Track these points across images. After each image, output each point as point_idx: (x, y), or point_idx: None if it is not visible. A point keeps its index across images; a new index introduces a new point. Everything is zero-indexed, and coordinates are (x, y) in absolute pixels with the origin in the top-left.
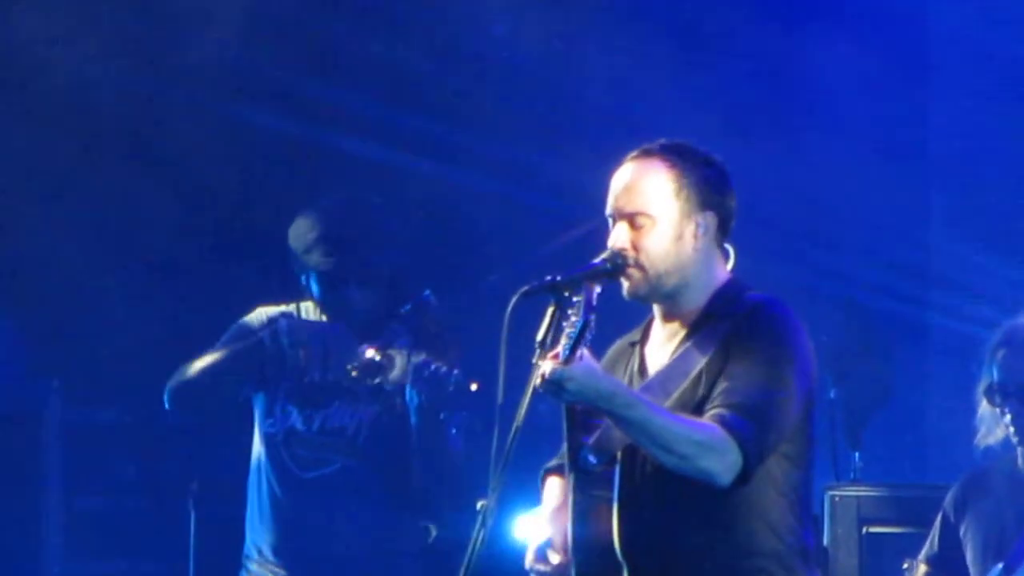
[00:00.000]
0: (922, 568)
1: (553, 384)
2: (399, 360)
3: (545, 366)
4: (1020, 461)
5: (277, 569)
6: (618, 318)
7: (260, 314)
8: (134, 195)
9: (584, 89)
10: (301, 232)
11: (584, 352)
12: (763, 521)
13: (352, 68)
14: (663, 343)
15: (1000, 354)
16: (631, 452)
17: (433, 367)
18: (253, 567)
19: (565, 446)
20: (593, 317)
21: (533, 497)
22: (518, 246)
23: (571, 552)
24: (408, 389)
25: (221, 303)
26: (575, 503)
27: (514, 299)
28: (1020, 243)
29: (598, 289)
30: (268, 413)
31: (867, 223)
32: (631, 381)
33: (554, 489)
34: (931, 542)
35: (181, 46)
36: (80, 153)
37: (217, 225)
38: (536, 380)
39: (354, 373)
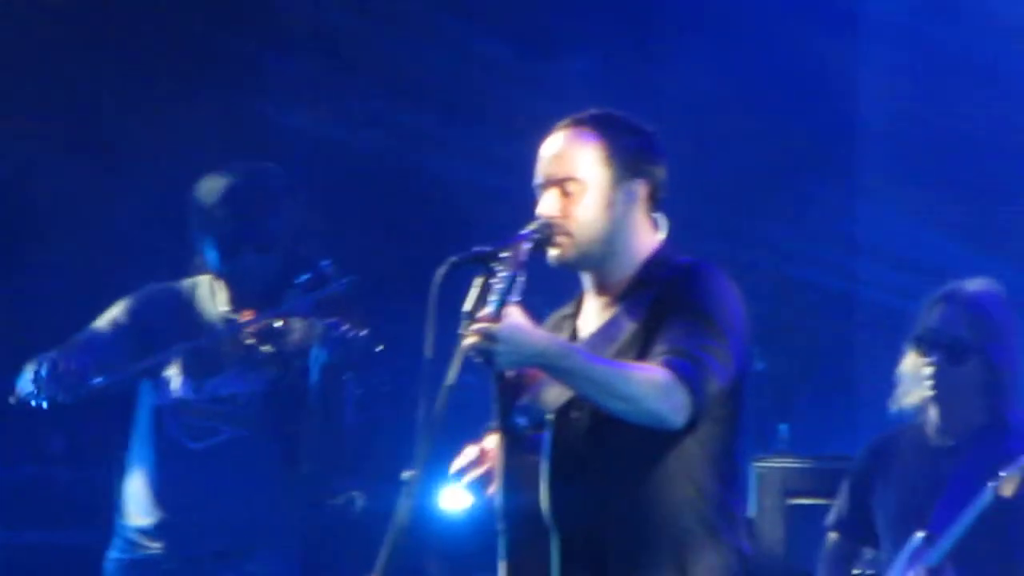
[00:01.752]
0: (832, 535)
1: (484, 345)
2: (299, 324)
3: (470, 334)
4: (931, 425)
5: (152, 542)
6: (551, 294)
7: (147, 292)
8: None
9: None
10: (201, 198)
11: (513, 310)
12: (692, 485)
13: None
14: (596, 313)
15: (939, 306)
16: (562, 415)
17: (342, 328)
18: (131, 536)
19: (496, 408)
20: (522, 274)
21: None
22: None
23: (500, 517)
24: (314, 350)
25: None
26: (504, 467)
27: (442, 269)
28: (947, 213)
29: (528, 246)
30: (156, 385)
31: (794, 195)
32: None
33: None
34: (839, 509)
35: None
36: None
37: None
38: (465, 346)
39: (250, 340)
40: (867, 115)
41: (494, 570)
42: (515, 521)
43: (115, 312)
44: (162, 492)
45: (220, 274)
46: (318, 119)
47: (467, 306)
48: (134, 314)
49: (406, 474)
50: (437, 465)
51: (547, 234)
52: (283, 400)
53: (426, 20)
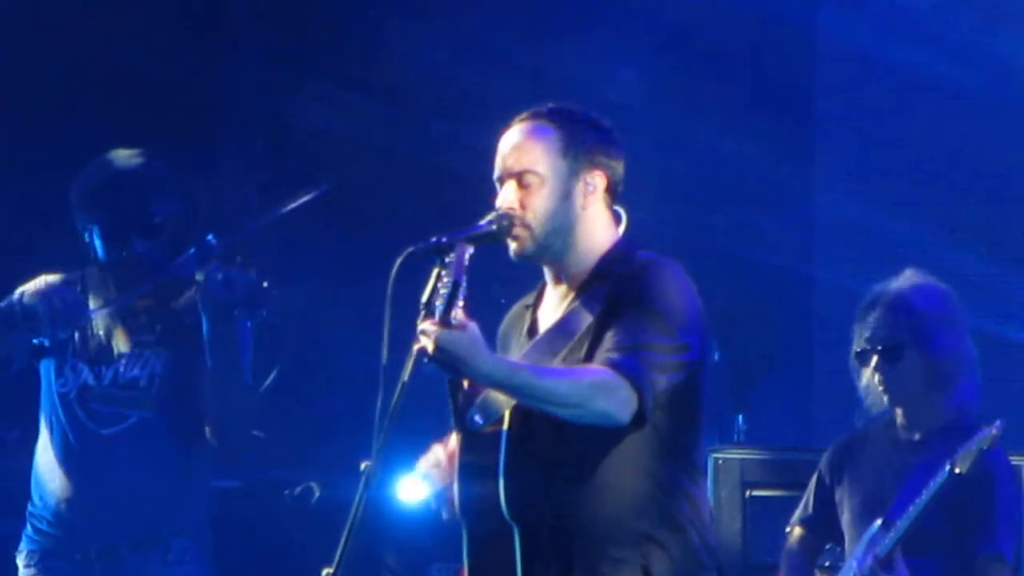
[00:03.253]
0: (797, 530)
1: (431, 356)
2: (185, 288)
3: (419, 332)
4: (898, 423)
5: (67, 532)
6: (512, 283)
7: (40, 282)
8: None
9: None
10: (82, 187)
11: (463, 320)
12: (652, 480)
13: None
14: (555, 305)
15: (867, 315)
16: (519, 412)
17: (225, 270)
18: (43, 527)
19: (450, 406)
20: (464, 277)
21: (417, 458)
22: None
23: (460, 514)
24: (200, 299)
25: None
26: (462, 465)
27: (399, 260)
28: (905, 201)
29: (471, 250)
30: (59, 374)
31: (751, 185)
32: (520, 343)
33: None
34: (805, 504)
35: None
36: None
37: None
38: (414, 347)
39: (140, 320)
40: (825, 97)
41: (451, 560)
42: (476, 517)
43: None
44: (75, 480)
45: (107, 261)
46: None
47: (424, 297)
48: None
49: (363, 465)
50: (394, 456)
51: (504, 225)
52: (182, 379)
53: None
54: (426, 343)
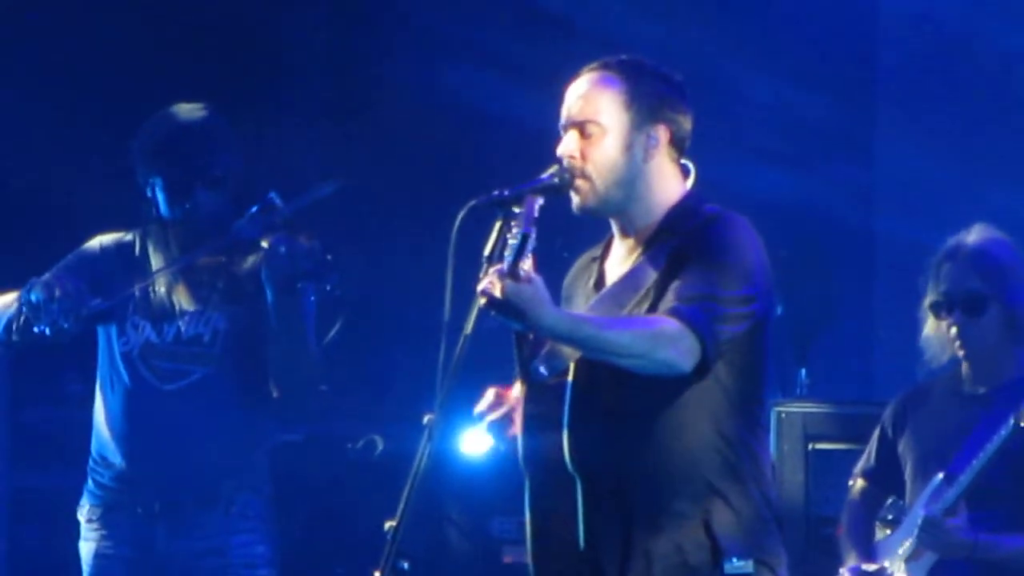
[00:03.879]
0: (860, 482)
1: (494, 309)
2: (249, 250)
3: (485, 283)
4: (964, 377)
5: (131, 488)
6: (574, 235)
7: (95, 243)
8: None
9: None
10: (145, 140)
11: (529, 273)
12: (715, 432)
13: None
14: (621, 259)
15: (945, 267)
16: (584, 364)
17: (289, 241)
18: (108, 483)
19: (516, 357)
20: (534, 229)
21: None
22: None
23: (523, 465)
24: (264, 268)
25: None
26: (526, 416)
27: (461, 213)
28: (967, 154)
29: (540, 201)
30: (120, 332)
31: (813, 136)
32: (587, 295)
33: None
34: (868, 456)
35: None
36: None
37: None
38: (480, 299)
39: (204, 277)
40: (887, 49)
41: (515, 513)
42: (539, 469)
43: (61, 268)
44: (139, 436)
45: (172, 218)
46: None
47: (487, 250)
48: (80, 270)
49: (426, 417)
50: (457, 409)
51: (565, 178)
52: (246, 336)
53: None
54: (491, 292)
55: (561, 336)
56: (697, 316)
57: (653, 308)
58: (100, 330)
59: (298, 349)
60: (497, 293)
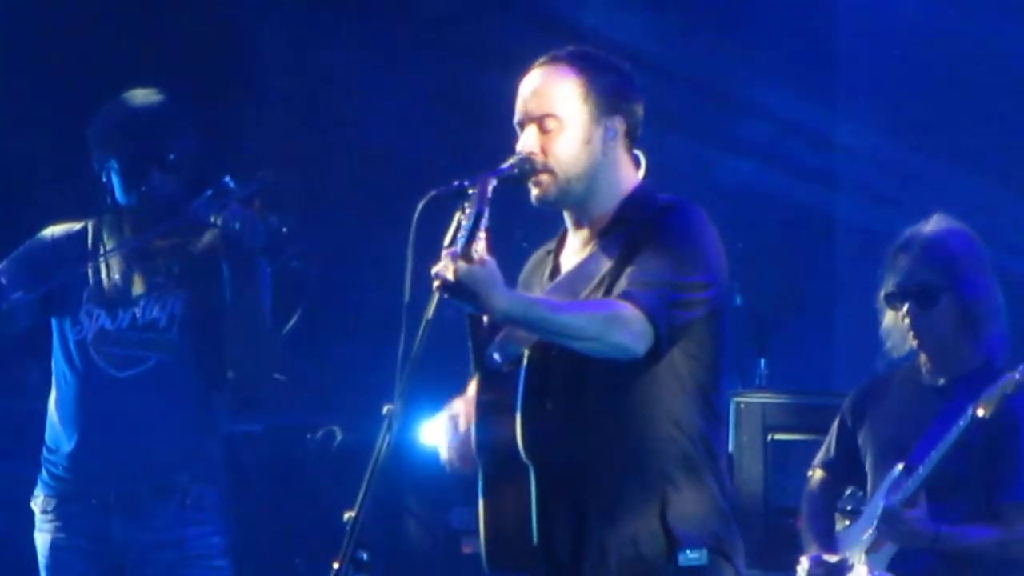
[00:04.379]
0: (819, 473)
1: (447, 290)
2: (204, 230)
3: (439, 266)
4: (923, 367)
5: (85, 477)
6: (533, 228)
7: (46, 234)
8: None
9: None
10: (100, 123)
11: (482, 255)
12: (670, 421)
13: None
14: (576, 250)
15: (899, 258)
16: (538, 351)
17: (243, 214)
18: (61, 473)
19: (470, 344)
20: (487, 209)
21: (440, 400)
22: None
23: (476, 453)
24: (220, 245)
25: None
26: (479, 404)
27: (422, 203)
28: (928, 142)
29: (494, 182)
30: (74, 322)
31: (775, 124)
32: (542, 287)
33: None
34: (827, 447)
35: None
36: None
37: None
38: (434, 281)
39: (160, 243)
40: (847, 37)
41: (474, 504)
42: (493, 457)
43: (11, 258)
44: (93, 425)
45: (127, 202)
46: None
47: (447, 239)
48: (29, 259)
49: (386, 408)
50: (417, 399)
51: (526, 169)
52: (205, 317)
53: None
54: (445, 275)
55: (514, 318)
56: (651, 300)
57: (607, 294)
58: (54, 320)
59: (255, 326)
60: (450, 276)
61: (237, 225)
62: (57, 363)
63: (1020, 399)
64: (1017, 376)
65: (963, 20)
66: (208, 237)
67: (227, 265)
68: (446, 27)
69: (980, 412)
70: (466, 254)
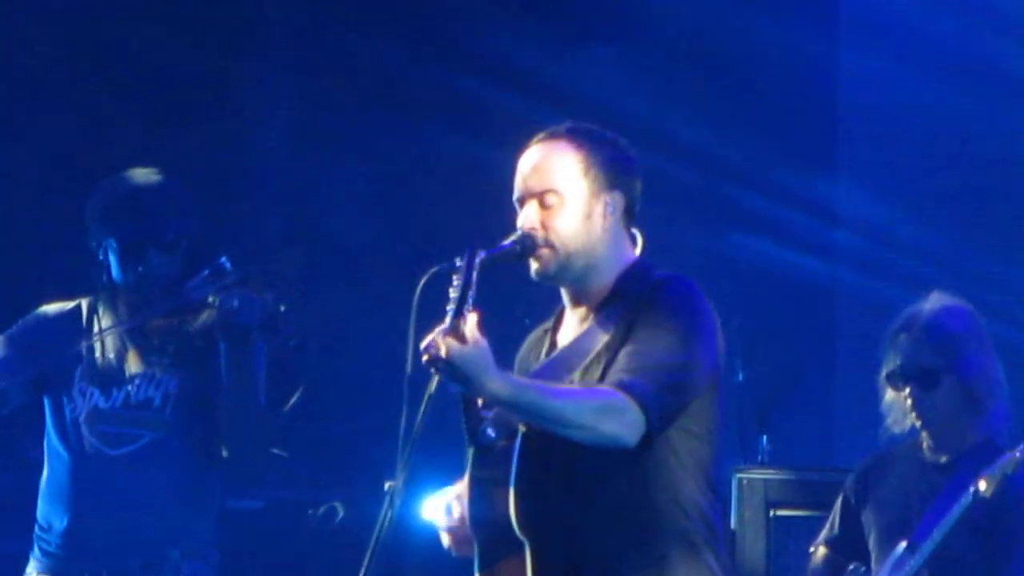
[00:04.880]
0: (822, 550)
1: (439, 367)
2: (201, 309)
3: (427, 341)
4: (925, 445)
5: (77, 555)
6: (532, 304)
7: (40, 312)
8: None
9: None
10: (99, 200)
11: (475, 335)
12: (668, 498)
13: None
14: (573, 327)
15: (900, 338)
16: (533, 427)
17: (240, 294)
18: (53, 550)
19: (463, 419)
20: (474, 279)
21: (442, 477)
22: None
23: (471, 529)
24: (216, 324)
25: None
26: (472, 480)
27: (424, 279)
28: (929, 215)
29: (482, 254)
30: (68, 399)
31: (776, 199)
32: (539, 366)
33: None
34: (831, 525)
35: None
36: None
37: None
38: (423, 355)
39: (156, 323)
40: (848, 109)
41: None
42: (488, 532)
43: (5, 337)
44: (86, 502)
45: (124, 281)
46: None
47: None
48: (22, 338)
49: (388, 484)
50: (419, 475)
51: (528, 244)
52: (199, 396)
53: None
54: (434, 351)
55: (505, 401)
56: (644, 389)
57: (604, 374)
58: (46, 397)
59: (248, 404)
60: (442, 353)
61: (235, 303)
62: (50, 440)
63: (1021, 477)
64: (1018, 455)
65: (964, 96)
66: (204, 316)
67: (223, 343)
68: (447, 102)
69: (982, 489)
70: (457, 332)
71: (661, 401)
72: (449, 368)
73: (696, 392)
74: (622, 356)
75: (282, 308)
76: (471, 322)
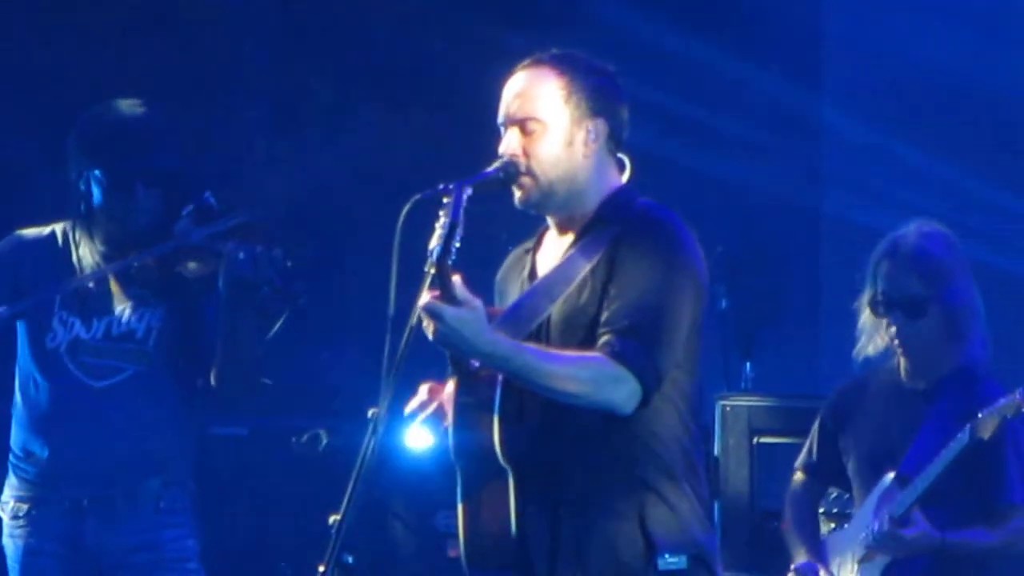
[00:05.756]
0: (800, 476)
1: (431, 327)
2: (198, 254)
3: (424, 309)
4: (902, 371)
5: (43, 480)
6: (514, 226)
7: (14, 239)
8: None
9: None
10: (86, 131)
11: (469, 298)
12: (649, 429)
13: None
14: (554, 250)
15: (884, 265)
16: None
17: (251, 248)
18: (31, 478)
19: None
20: (462, 218)
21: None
22: None
23: (454, 456)
24: (223, 276)
25: None
26: (457, 406)
27: (406, 208)
28: (916, 140)
29: (469, 191)
30: (46, 328)
31: (760, 128)
32: (521, 287)
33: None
34: (809, 450)
35: None
36: None
37: None
38: (413, 319)
39: (140, 275)
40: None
41: (456, 507)
42: (471, 460)
43: None
44: (68, 431)
45: (108, 212)
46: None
47: (431, 244)
48: (2, 265)
49: (371, 412)
50: (403, 403)
51: (510, 172)
52: (181, 333)
53: None
54: (429, 318)
55: (496, 364)
56: (637, 355)
57: (589, 305)
58: (22, 324)
59: (244, 348)
60: (430, 321)
61: (241, 255)
62: (25, 368)
63: (1019, 419)
64: (1018, 398)
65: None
66: (201, 262)
67: (227, 299)
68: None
69: (982, 433)
70: (442, 262)
71: (657, 364)
72: (443, 332)
73: (685, 334)
74: (611, 309)
75: (289, 263)
76: (459, 282)
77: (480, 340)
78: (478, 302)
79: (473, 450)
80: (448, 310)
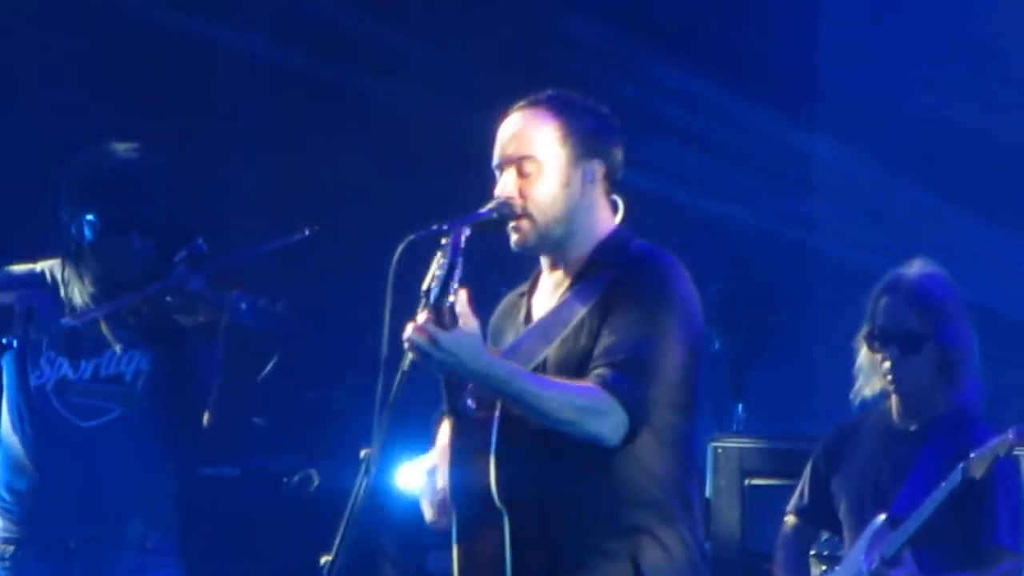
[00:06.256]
0: (792, 519)
1: (425, 349)
2: (200, 301)
3: (412, 327)
4: (894, 411)
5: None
6: (508, 269)
7: (5, 273)
8: None
9: None
10: (81, 174)
11: (467, 318)
12: (644, 471)
13: None
14: (550, 292)
15: (883, 301)
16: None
17: (248, 299)
18: (9, 516)
19: (443, 390)
20: (460, 259)
21: (417, 445)
22: None
23: (451, 499)
24: (225, 323)
25: None
26: (454, 449)
27: (400, 248)
28: (905, 183)
29: (467, 231)
30: (34, 366)
31: (752, 169)
32: (517, 331)
33: (445, 432)
34: (800, 494)
35: None
36: None
37: None
38: (407, 343)
39: (130, 319)
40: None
41: (450, 549)
42: (466, 502)
43: None
44: (54, 471)
45: (95, 254)
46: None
47: (424, 284)
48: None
49: (363, 452)
50: (394, 444)
51: (505, 213)
52: (169, 377)
53: None
54: (418, 342)
55: (491, 386)
56: (626, 386)
57: (586, 349)
58: (8, 361)
59: (243, 392)
60: (424, 343)
61: (243, 306)
62: (11, 404)
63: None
64: (1011, 438)
65: (947, 61)
66: (200, 311)
67: (226, 345)
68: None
69: (975, 473)
70: (439, 304)
71: (645, 398)
72: (435, 356)
73: (678, 373)
74: (604, 345)
75: (291, 316)
76: (462, 300)
77: (478, 362)
78: (475, 323)
79: (469, 492)
80: (443, 333)
